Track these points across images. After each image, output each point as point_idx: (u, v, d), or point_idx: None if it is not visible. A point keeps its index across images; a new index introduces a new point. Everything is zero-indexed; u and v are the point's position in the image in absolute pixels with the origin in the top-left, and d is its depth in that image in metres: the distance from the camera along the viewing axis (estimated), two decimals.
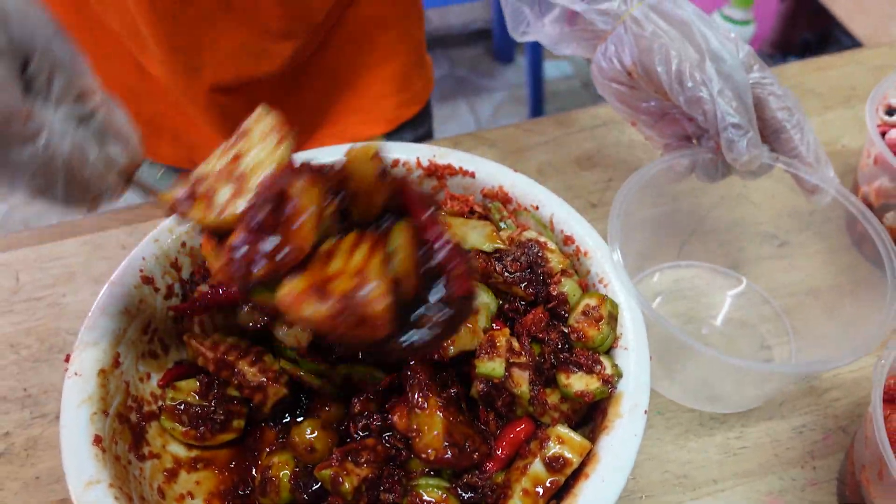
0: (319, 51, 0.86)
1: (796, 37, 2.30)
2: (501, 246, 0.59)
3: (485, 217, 0.64)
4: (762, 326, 0.74)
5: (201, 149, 0.87)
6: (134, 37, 0.74)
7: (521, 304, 0.58)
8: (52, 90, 0.42)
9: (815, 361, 0.64)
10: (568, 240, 0.62)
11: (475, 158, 0.66)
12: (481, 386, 0.52)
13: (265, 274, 0.42)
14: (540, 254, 0.59)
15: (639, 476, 0.62)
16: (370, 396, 0.57)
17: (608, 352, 0.55)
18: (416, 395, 0.51)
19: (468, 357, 0.53)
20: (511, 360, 0.52)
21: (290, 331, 0.61)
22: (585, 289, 0.59)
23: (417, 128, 1.05)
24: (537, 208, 0.64)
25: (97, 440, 0.49)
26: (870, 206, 0.76)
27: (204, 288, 0.62)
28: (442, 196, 0.67)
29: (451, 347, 0.51)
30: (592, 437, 0.51)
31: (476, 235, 0.60)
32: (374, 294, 0.40)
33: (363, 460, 0.51)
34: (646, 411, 0.51)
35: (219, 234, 0.48)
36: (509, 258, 0.58)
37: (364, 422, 0.56)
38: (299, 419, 0.60)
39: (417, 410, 0.51)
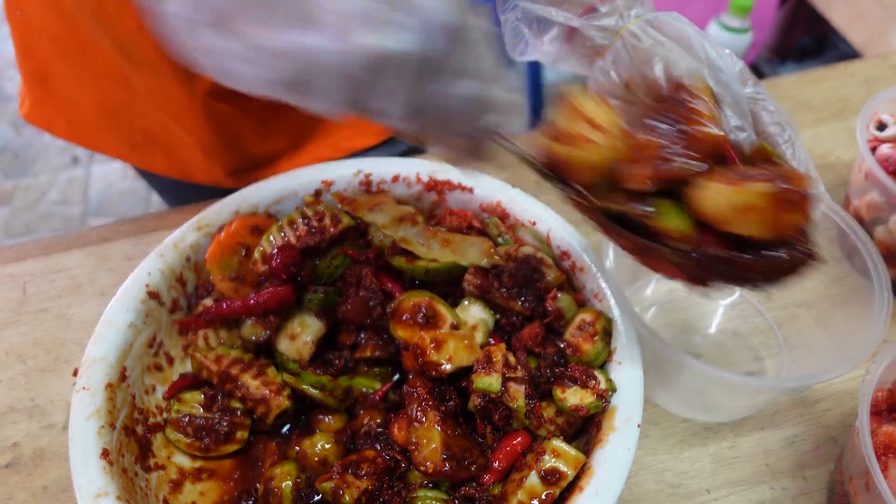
0: None
1: (794, 42, 2.31)
2: (499, 262, 0.60)
3: (482, 232, 0.66)
4: (755, 338, 0.76)
5: (193, 164, 0.88)
6: (130, 48, 0.75)
7: (518, 319, 0.59)
8: None
9: (804, 376, 0.65)
10: (564, 255, 0.63)
11: (474, 174, 0.68)
12: (478, 400, 0.53)
13: (678, 172, 0.47)
14: (537, 269, 0.60)
15: (633, 485, 0.64)
16: (376, 407, 0.59)
17: (603, 366, 0.57)
18: (415, 409, 0.53)
19: (466, 372, 0.55)
20: (507, 375, 0.53)
21: (292, 344, 0.62)
22: (581, 304, 0.60)
23: None
24: (535, 224, 0.65)
25: (105, 453, 0.51)
26: (861, 219, 0.77)
27: (208, 302, 0.63)
28: (441, 211, 0.68)
29: (449, 364, 0.53)
30: (587, 449, 0.53)
31: (474, 252, 0.61)
32: (803, 182, 0.46)
33: (363, 472, 0.52)
34: (639, 425, 0.52)
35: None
36: (506, 274, 0.60)
37: (366, 427, 0.58)
38: (303, 430, 0.62)
39: (416, 424, 0.52)
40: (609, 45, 0.69)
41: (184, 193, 0.96)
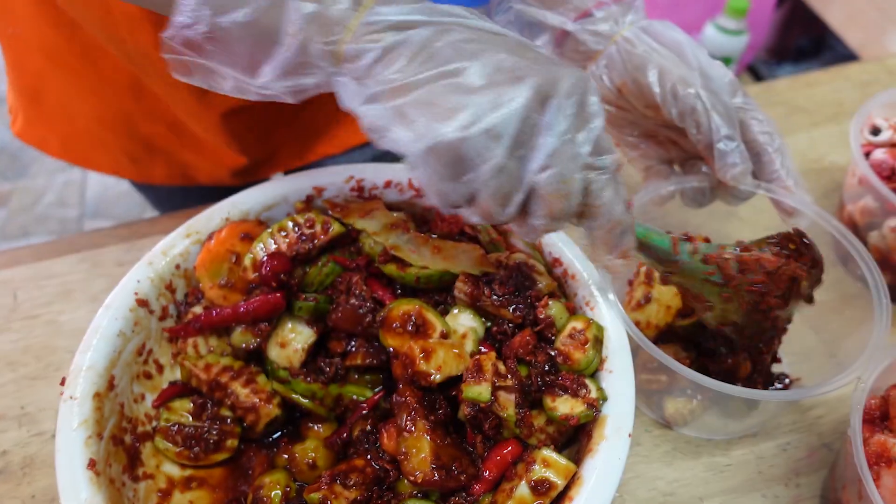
0: None
1: (791, 44, 2.31)
2: (490, 269, 0.60)
3: (474, 238, 0.66)
4: None
5: (196, 166, 0.88)
6: (141, 61, 0.74)
7: (509, 327, 0.59)
8: None
9: (800, 390, 0.65)
10: (556, 262, 0.63)
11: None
12: (468, 409, 0.53)
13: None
14: (528, 277, 0.60)
15: (626, 494, 0.64)
16: (367, 415, 0.59)
17: (594, 375, 0.56)
18: (405, 419, 0.52)
19: (456, 381, 0.54)
20: (497, 384, 0.53)
21: (282, 351, 0.62)
22: (572, 311, 0.60)
23: None
24: None
25: (92, 464, 0.50)
26: (855, 224, 0.77)
27: (198, 310, 0.63)
28: (433, 217, 0.68)
29: (438, 374, 0.53)
30: (578, 459, 0.53)
31: (465, 259, 0.61)
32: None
33: (352, 483, 0.52)
34: (630, 434, 0.52)
35: None
36: (497, 281, 0.59)
37: (359, 432, 0.57)
38: (292, 438, 0.62)
39: (405, 434, 0.52)
40: (602, 50, 0.69)
41: (180, 200, 0.96)
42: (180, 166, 0.89)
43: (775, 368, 0.69)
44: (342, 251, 0.66)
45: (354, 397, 0.61)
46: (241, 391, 0.60)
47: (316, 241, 0.63)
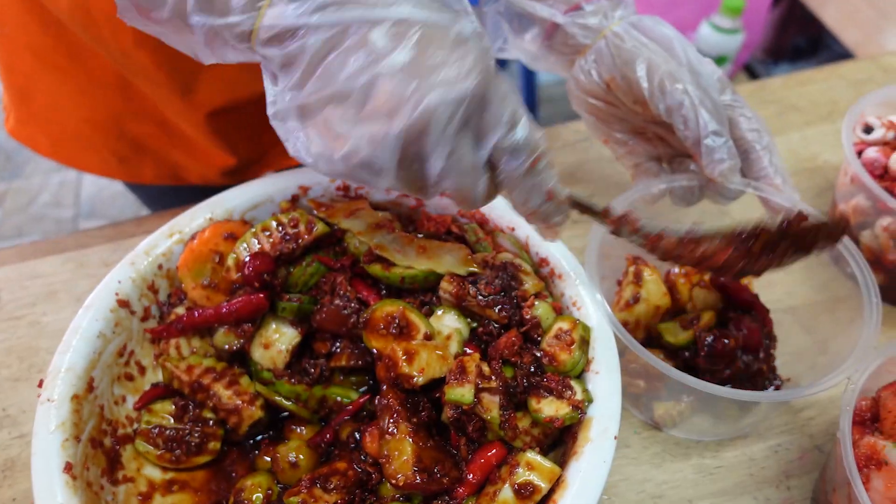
0: None
1: (788, 43, 2.30)
2: (476, 269, 0.59)
3: (461, 238, 0.65)
4: None
5: (185, 167, 0.87)
6: (124, 60, 0.74)
7: (495, 328, 0.58)
8: None
9: (787, 391, 0.64)
10: (543, 262, 0.62)
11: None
12: (451, 412, 0.52)
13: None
14: (515, 277, 0.59)
15: (614, 496, 0.63)
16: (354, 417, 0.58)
17: (580, 376, 0.55)
18: (387, 421, 0.52)
19: (440, 383, 0.53)
20: (481, 386, 0.52)
21: (266, 352, 0.61)
22: (559, 312, 0.59)
23: None
24: (513, 229, 0.64)
25: (68, 467, 0.49)
26: (847, 224, 0.76)
27: (180, 310, 0.62)
28: (418, 216, 0.67)
29: (421, 377, 0.52)
30: (563, 461, 0.52)
31: (450, 259, 0.60)
32: None
33: (332, 486, 0.51)
34: (616, 436, 0.51)
35: None
36: (483, 281, 0.59)
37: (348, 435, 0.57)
38: (275, 440, 0.61)
39: (388, 436, 0.51)
40: (591, 44, 0.68)
41: (172, 201, 0.95)
42: (170, 166, 0.88)
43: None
44: (327, 251, 0.65)
45: (339, 399, 0.61)
46: (223, 393, 0.59)
47: (300, 241, 0.62)
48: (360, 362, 0.61)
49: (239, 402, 0.59)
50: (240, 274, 0.60)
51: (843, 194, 0.76)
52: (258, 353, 0.61)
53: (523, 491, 0.49)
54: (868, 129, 0.76)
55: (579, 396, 0.53)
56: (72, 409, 0.53)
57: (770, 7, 2.03)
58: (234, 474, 0.60)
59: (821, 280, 0.72)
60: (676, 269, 0.70)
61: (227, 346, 0.61)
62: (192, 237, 0.63)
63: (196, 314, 0.60)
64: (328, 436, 0.58)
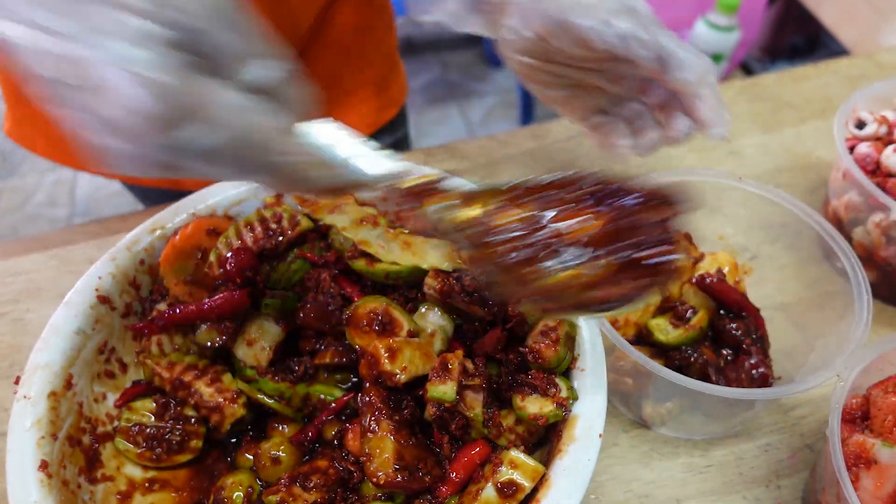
0: (301, 58, 0.86)
1: (785, 41, 2.30)
2: (461, 265, 0.58)
3: None
4: None
5: None
6: None
7: (480, 324, 0.57)
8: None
9: (774, 389, 0.64)
10: None
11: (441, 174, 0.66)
12: (434, 409, 0.51)
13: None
14: None
15: (601, 496, 0.62)
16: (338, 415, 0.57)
17: (566, 373, 0.55)
18: (369, 418, 0.51)
19: (424, 380, 0.53)
20: (464, 383, 0.51)
21: (249, 349, 0.60)
22: None
23: (395, 131, 1.06)
24: None
25: (43, 465, 0.49)
26: (839, 220, 0.75)
27: (162, 307, 0.61)
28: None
29: (403, 374, 0.51)
30: (547, 460, 0.51)
31: (435, 254, 0.59)
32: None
33: (312, 485, 0.50)
34: (601, 435, 0.50)
35: None
36: (469, 277, 0.58)
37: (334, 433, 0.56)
38: (256, 438, 0.60)
39: (369, 434, 0.50)
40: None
41: (170, 200, 0.94)
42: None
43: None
44: (311, 247, 0.64)
45: (323, 397, 0.60)
46: (205, 390, 0.58)
47: (283, 237, 0.61)
48: (344, 360, 0.60)
49: (221, 399, 0.58)
50: (222, 270, 0.60)
51: (836, 190, 0.76)
52: (241, 351, 0.60)
53: (506, 490, 0.48)
54: (861, 125, 0.75)
55: (564, 394, 0.52)
56: (48, 407, 0.52)
57: (766, 4, 2.02)
58: (215, 473, 0.59)
59: (812, 276, 0.72)
60: None
61: (209, 343, 0.60)
62: (175, 233, 0.62)
63: (178, 310, 0.60)
64: (311, 433, 0.57)
